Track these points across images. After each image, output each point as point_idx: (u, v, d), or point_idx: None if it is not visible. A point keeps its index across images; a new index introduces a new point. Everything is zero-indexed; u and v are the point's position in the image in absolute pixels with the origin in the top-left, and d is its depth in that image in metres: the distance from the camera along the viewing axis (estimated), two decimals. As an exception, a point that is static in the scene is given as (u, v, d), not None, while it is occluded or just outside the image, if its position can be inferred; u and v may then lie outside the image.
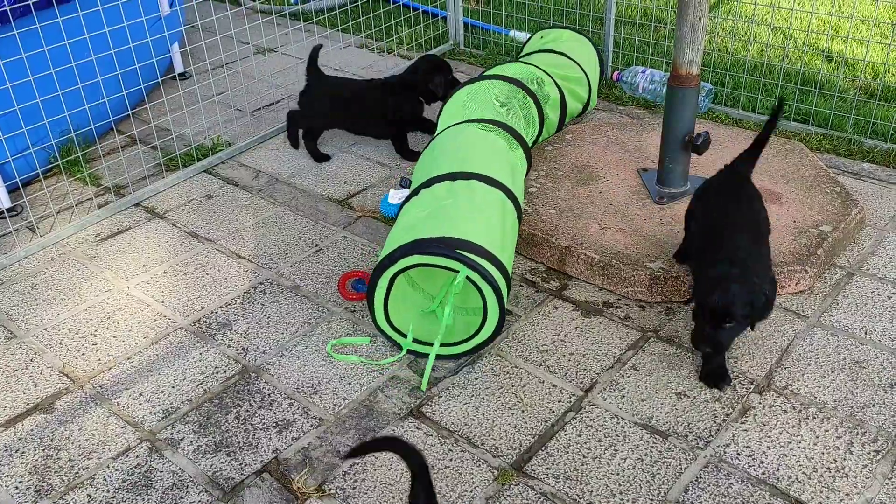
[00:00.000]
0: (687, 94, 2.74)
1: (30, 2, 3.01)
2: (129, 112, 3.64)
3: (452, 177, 2.49)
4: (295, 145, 3.59)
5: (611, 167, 3.13)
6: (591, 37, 4.33)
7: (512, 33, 4.51)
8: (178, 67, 4.26)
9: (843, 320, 2.44)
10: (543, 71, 3.35)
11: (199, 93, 3.88)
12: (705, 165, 3.07)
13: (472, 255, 2.22)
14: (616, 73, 3.95)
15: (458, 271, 2.22)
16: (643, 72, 3.84)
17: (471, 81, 3.14)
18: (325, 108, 3.45)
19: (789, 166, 3.05)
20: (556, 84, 3.36)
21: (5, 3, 2.93)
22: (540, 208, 2.89)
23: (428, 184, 2.51)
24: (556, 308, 2.57)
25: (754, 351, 2.34)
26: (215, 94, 4.04)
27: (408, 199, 2.56)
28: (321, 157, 3.50)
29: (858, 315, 2.45)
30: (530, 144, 3.15)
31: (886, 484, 1.93)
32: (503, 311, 2.27)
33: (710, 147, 2.97)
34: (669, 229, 2.73)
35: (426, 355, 2.34)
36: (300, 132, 3.57)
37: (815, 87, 3.63)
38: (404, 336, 2.37)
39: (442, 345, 2.35)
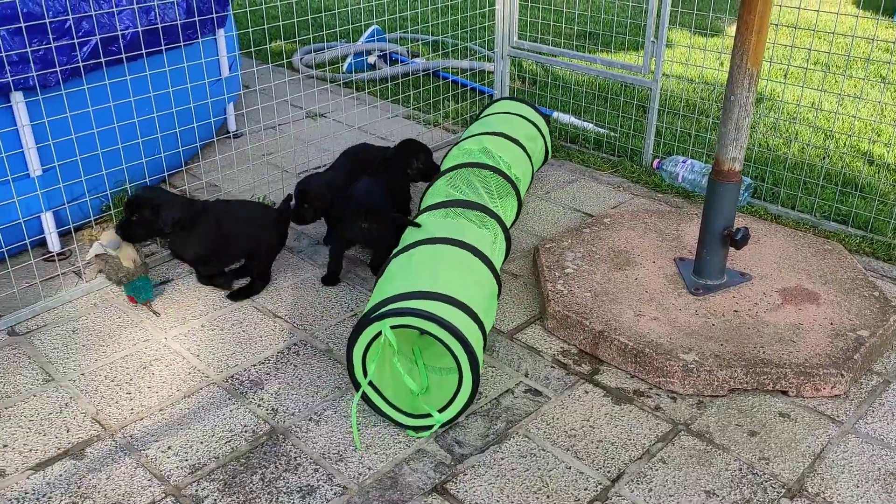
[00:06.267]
0: (728, 189, 2.78)
1: (103, 59, 3.18)
2: (184, 168, 3.77)
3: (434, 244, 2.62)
4: None
5: (647, 254, 3.16)
6: (633, 124, 4.42)
7: (556, 115, 4.62)
8: (232, 127, 4.43)
9: (879, 429, 2.40)
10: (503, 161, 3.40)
11: (250, 152, 4.01)
12: (743, 260, 3.08)
13: (398, 304, 2.28)
14: (656, 160, 4.01)
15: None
16: (684, 162, 3.89)
17: (446, 171, 3.22)
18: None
19: (827, 267, 3.05)
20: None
21: (79, 58, 3.09)
22: (575, 290, 2.91)
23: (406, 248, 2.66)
24: (587, 392, 2.56)
25: (787, 454, 2.30)
26: (265, 154, 4.17)
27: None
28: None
29: (895, 425, 2.41)
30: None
31: None
32: (473, 357, 2.27)
33: (748, 242, 2.98)
34: (704, 321, 2.73)
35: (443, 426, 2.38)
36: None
37: (856, 189, 3.65)
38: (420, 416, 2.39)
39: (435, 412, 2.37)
